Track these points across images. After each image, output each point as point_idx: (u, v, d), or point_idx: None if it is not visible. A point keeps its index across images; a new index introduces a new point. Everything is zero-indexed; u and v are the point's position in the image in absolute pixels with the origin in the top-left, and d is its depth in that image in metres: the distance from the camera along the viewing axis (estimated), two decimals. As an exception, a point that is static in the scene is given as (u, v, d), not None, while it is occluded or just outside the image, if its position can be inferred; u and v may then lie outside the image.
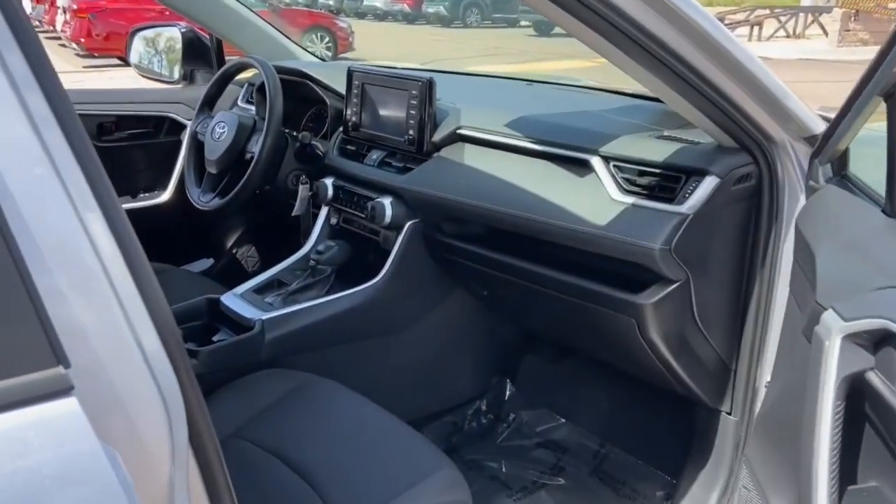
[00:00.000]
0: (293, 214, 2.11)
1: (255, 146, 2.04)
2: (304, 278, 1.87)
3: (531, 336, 2.18)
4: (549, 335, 2.09)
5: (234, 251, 2.77)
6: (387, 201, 1.82)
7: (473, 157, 1.73)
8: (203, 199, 2.13)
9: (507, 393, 2.22)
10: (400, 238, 1.83)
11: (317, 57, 2.67)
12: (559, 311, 1.74)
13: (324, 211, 2.08)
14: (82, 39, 11.45)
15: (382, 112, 1.90)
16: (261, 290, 1.89)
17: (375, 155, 1.93)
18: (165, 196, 2.53)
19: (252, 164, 1.97)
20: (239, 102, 2.62)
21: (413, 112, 1.80)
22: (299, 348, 1.77)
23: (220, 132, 2.10)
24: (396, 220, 1.82)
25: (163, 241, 2.60)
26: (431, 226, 1.83)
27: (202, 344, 1.73)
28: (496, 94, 2.20)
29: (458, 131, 1.77)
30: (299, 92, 2.35)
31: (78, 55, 11.73)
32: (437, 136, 1.79)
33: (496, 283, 1.80)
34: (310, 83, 2.20)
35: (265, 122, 1.97)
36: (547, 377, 2.21)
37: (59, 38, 12.44)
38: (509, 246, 1.69)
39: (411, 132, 1.81)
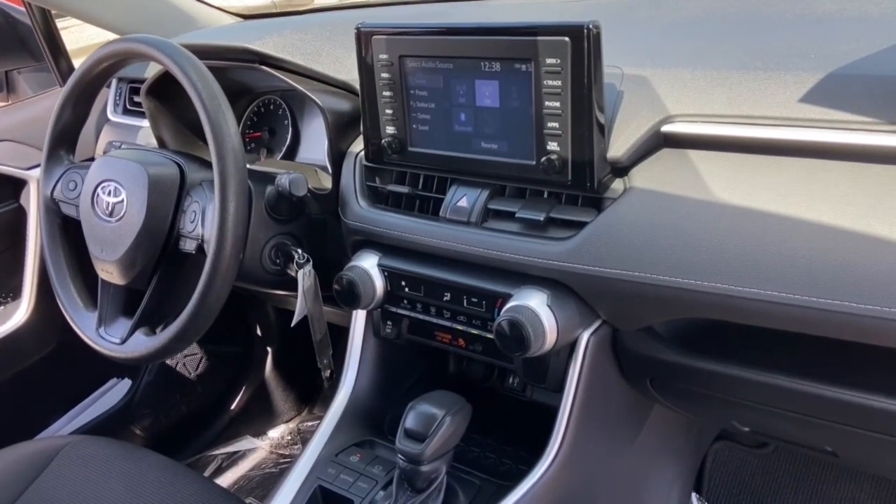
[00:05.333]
0: (293, 324, 1.10)
1: (203, 223, 1.00)
2: (379, 491, 0.90)
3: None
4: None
5: (176, 363, 1.70)
6: (535, 300, 0.86)
7: (716, 180, 0.79)
8: (109, 338, 1.07)
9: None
10: (576, 366, 0.89)
11: (234, 14, 1.55)
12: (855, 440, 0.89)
13: (362, 317, 1.08)
14: None
15: (464, 111, 0.91)
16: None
17: (464, 198, 0.94)
18: (22, 312, 1.42)
19: (211, 262, 0.93)
20: (111, 116, 1.50)
21: (555, 103, 0.83)
22: None
23: (111, 204, 1.03)
24: (563, 336, 0.87)
25: (36, 381, 1.53)
26: (632, 333, 0.90)
27: None
28: (641, 26, 1.12)
29: (667, 128, 0.83)
30: (229, 83, 1.28)
31: None
32: (619, 148, 0.84)
33: (764, 418, 0.92)
34: (267, 69, 1.14)
35: (216, 173, 0.93)
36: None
37: None
38: (810, 360, 0.81)
39: (554, 147, 0.84)
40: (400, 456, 0.85)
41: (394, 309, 1.01)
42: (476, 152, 0.91)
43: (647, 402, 1.03)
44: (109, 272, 1.05)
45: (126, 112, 1.47)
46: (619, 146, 0.83)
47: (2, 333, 1.39)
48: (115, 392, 1.63)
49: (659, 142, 0.83)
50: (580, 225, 0.84)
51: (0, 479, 1.15)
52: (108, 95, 1.50)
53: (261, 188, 1.05)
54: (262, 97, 1.35)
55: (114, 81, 1.50)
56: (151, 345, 1.01)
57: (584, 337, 0.88)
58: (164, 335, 0.99)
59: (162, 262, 1.03)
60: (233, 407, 1.84)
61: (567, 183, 0.85)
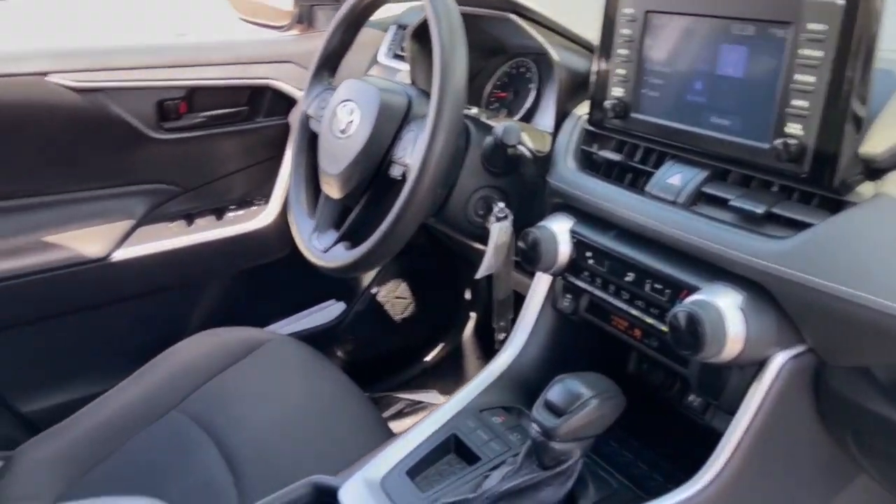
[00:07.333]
0: (477, 277, 1.09)
1: (412, 152, 1.02)
2: (510, 457, 0.85)
3: None
4: None
5: (372, 290, 1.81)
6: (726, 300, 0.74)
7: None
8: (317, 245, 1.15)
9: None
10: (761, 389, 0.75)
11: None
12: None
13: (543, 284, 1.04)
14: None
15: (702, 79, 0.81)
16: (419, 467, 0.90)
17: (678, 175, 0.84)
18: (270, 215, 1.59)
19: (408, 190, 0.95)
20: (380, 58, 1.61)
21: (808, 77, 0.70)
22: None
23: (345, 122, 1.10)
24: (752, 349, 0.74)
25: (269, 280, 1.73)
26: (842, 370, 0.73)
27: None
28: None
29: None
30: (484, 35, 1.30)
31: None
32: (878, 145, 0.68)
33: None
34: (517, 20, 1.13)
35: (433, 105, 0.94)
36: None
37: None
38: None
39: (795, 130, 0.71)
40: (533, 425, 0.79)
41: (574, 280, 0.94)
42: (703, 126, 0.80)
43: (851, 467, 0.84)
44: (329, 185, 1.12)
45: (395, 57, 1.57)
46: (878, 142, 0.67)
47: (250, 228, 1.58)
48: (328, 311, 1.76)
49: None
50: (805, 226, 0.70)
51: (210, 354, 1.29)
52: (385, 39, 1.60)
53: (480, 137, 1.05)
54: (515, 59, 1.35)
55: (392, 27, 1.60)
56: (345, 258, 1.06)
57: (780, 358, 0.74)
58: (356, 251, 1.03)
59: (373, 184, 1.08)
60: (427, 359, 1.89)
61: (802, 175, 0.71)
